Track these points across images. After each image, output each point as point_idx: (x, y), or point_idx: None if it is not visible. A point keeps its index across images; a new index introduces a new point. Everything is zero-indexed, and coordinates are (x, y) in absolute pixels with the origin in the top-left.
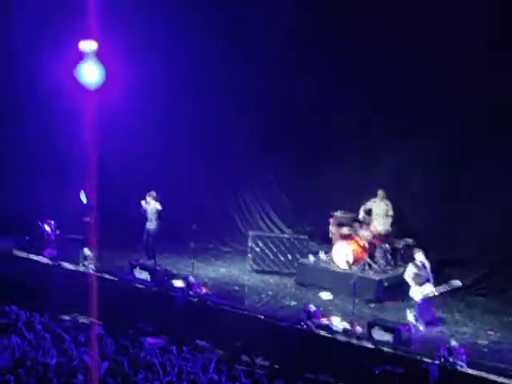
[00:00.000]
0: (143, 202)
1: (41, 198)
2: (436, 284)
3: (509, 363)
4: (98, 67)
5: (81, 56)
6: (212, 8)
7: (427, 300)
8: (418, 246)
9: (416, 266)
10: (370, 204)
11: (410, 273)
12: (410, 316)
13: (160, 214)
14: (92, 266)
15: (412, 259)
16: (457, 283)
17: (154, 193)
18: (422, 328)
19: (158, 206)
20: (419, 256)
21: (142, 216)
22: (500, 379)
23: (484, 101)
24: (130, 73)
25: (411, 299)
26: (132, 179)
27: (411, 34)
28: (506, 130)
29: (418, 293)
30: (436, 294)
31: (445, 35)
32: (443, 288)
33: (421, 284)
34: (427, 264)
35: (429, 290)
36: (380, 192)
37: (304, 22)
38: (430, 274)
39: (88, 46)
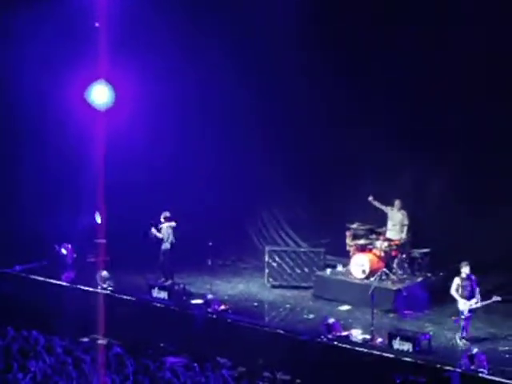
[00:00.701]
0: (154, 230)
1: (56, 222)
2: (481, 299)
3: None
4: (108, 89)
5: (91, 78)
6: (220, 28)
7: (471, 313)
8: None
9: (461, 278)
10: (384, 208)
11: (454, 285)
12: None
13: (174, 232)
14: (110, 288)
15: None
16: (497, 298)
17: (167, 213)
18: (465, 343)
19: (172, 224)
20: (465, 269)
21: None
22: None
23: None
24: (139, 94)
25: (460, 312)
26: (145, 198)
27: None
28: None
29: (464, 305)
30: (479, 306)
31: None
32: (486, 302)
33: (466, 297)
34: (473, 278)
35: (473, 303)
36: (397, 202)
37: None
38: (476, 289)
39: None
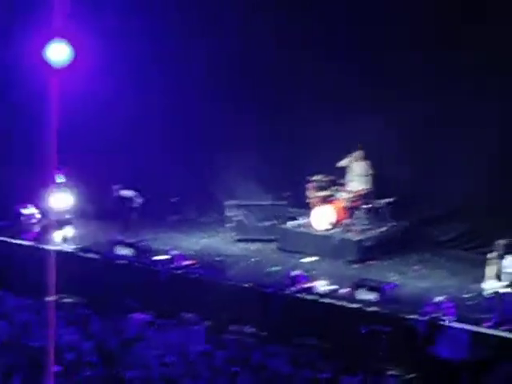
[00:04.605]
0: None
1: (14, 182)
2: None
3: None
4: (67, 46)
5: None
6: None
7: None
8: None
9: (494, 255)
10: (348, 161)
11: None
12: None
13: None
14: (74, 246)
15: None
16: None
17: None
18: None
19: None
20: (500, 247)
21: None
22: (486, 330)
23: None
24: (97, 52)
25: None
26: (103, 157)
27: None
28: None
29: (486, 285)
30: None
31: None
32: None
33: (494, 277)
34: (510, 260)
35: (499, 286)
36: (359, 152)
37: None
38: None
39: None
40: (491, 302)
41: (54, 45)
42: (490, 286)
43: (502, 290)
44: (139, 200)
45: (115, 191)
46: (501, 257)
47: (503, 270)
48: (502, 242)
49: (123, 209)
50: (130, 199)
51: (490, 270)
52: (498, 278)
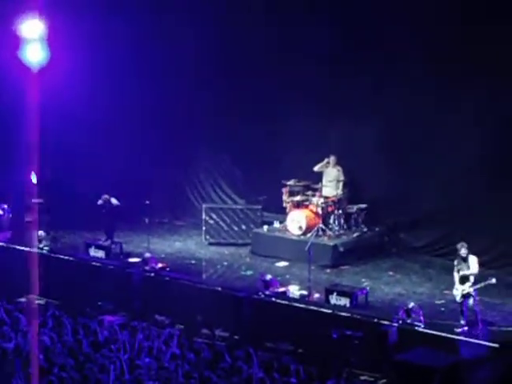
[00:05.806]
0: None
1: None
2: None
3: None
4: (43, 48)
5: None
6: None
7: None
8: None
9: (457, 260)
10: (320, 165)
11: (455, 267)
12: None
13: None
14: (47, 248)
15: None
16: (493, 281)
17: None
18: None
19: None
20: (462, 251)
21: (90, 193)
22: (458, 337)
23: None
24: (74, 53)
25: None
26: (80, 158)
27: None
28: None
29: (456, 291)
30: (471, 291)
31: None
32: (480, 284)
33: (461, 282)
34: (473, 260)
35: (467, 287)
36: (332, 158)
37: None
38: (473, 272)
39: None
40: (463, 306)
41: (29, 45)
42: (460, 289)
43: (471, 291)
44: (120, 205)
45: (105, 200)
46: (464, 259)
47: (468, 271)
48: (462, 244)
49: (106, 215)
50: (116, 207)
51: (457, 274)
52: (466, 279)
